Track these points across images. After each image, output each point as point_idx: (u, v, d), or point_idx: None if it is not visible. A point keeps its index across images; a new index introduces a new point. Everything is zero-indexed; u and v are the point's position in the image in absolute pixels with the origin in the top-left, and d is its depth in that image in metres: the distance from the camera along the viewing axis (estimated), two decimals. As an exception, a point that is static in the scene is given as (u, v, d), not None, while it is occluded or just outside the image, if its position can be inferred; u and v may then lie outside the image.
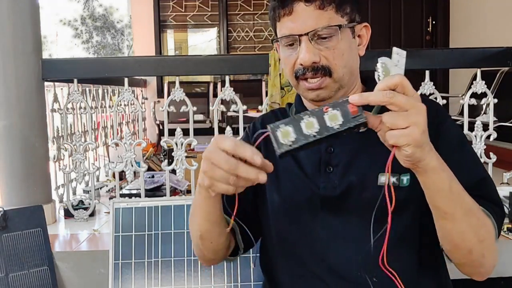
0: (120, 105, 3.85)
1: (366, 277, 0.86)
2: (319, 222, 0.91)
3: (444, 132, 0.90)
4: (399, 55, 0.70)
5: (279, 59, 2.10)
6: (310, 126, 0.69)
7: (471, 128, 2.06)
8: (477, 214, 0.79)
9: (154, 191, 2.52)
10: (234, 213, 0.82)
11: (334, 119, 0.68)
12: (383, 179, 0.81)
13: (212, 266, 1.50)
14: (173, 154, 2.09)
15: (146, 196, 2.18)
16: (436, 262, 0.93)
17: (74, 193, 2.58)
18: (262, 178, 0.71)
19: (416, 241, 0.89)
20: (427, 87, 2.03)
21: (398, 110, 0.66)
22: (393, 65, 0.70)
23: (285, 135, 0.69)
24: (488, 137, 2.06)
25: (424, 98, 0.95)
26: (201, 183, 0.78)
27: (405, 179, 0.88)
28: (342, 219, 0.90)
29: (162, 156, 3.19)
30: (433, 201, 0.77)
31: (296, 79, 0.92)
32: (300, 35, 0.88)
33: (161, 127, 4.74)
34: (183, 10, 5.84)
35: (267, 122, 1.00)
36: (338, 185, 0.90)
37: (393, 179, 0.86)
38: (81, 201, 2.25)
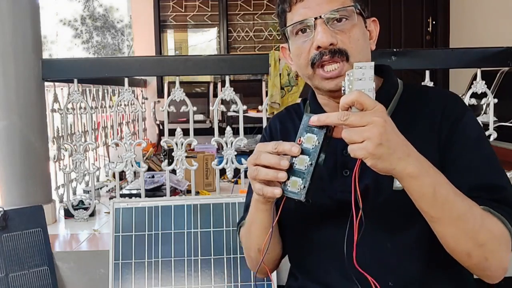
0: (120, 105, 3.85)
1: (382, 283, 0.83)
2: (335, 227, 0.89)
3: (459, 129, 0.88)
4: (362, 69, 0.73)
5: (279, 59, 2.10)
6: (302, 162, 0.76)
7: (471, 128, 2.06)
8: (473, 218, 0.78)
9: (154, 191, 2.52)
10: (276, 218, 0.86)
11: (310, 141, 0.76)
12: (398, 182, 0.82)
13: (212, 266, 1.50)
14: (173, 154, 2.09)
15: (146, 196, 2.18)
16: (454, 262, 0.88)
17: (74, 193, 2.58)
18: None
19: (432, 241, 0.85)
20: (427, 87, 2.03)
21: (353, 127, 0.70)
22: (357, 79, 0.73)
23: (294, 185, 0.77)
24: (488, 137, 2.06)
25: (443, 90, 0.98)
26: (256, 192, 0.82)
27: None
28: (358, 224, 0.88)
29: (162, 156, 3.19)
30: (418, 205, 0.78)
31: (312, 68, 0.89)
32: (316, 19, 0.86)
33: (161, 127, 4.74)
34: (183, 10, 5.84)
35: (284, 121, 1.04)
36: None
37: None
38: (81, 201, 2.25)
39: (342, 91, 0.75)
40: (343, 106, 0.72)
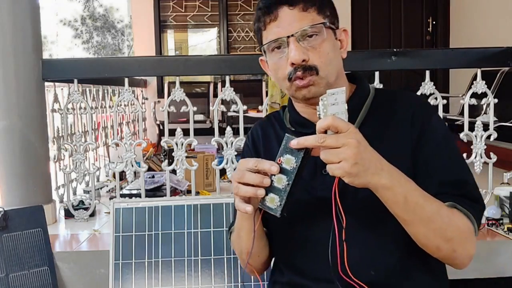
0: (120, 105, 3.85)
1: (365, 273, 0.93)
2: (318, 224, 0.96)
3: (427, 132, 0.96)
4: (335, 94, 0.79)
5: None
6: (280, 181, 0.83)
7: (471, 128, 2.06)
8: (441, 217, 0.87)
9: (155, 191, 2.52)
10: (257, 225, 0.92)
11: (289, 163, 0.82)
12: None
13: (212, 266, 1.50)
14: (173, 154, 2.09)
15: (146, 196, 2.18)
16: (430, 257, 0.95)
17: (75, 193, 2.58)
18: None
19: (407, 236, 0.92)
20: (427, 87, 2.03)
21: (330, 148, 0.78)
22: (330, 104, 0.79)
23: (271, 201, 0.84)
24: (489, 137, 2.06)
25: (410, 95, 1.07)
26: (238, 205, 0.88)
27: None
28: (338, 219, 0.92)
29: (162, 156, 3.19)
30: (392, 211, 0.86)
31: (289, 81, 0.97)
32: (288, 37, 0.94)
33: (161, 127, 4.74)
34: (183, 10, 5.84)
35: (266, 128, 1.12)
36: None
37: None
38: (82, 201, 2.24)
39: (318, 115, 0.81)
40: (319, 130, 0.79)
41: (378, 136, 0.94)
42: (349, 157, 0.77)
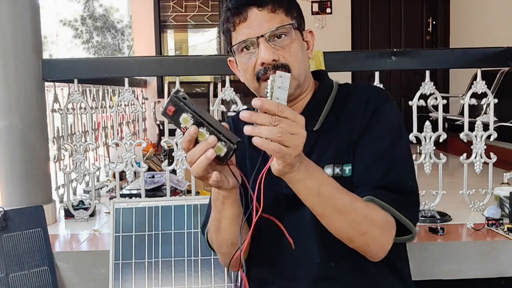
0: (120, 105, 3.84)
1: (328, 265, 0.99)
2: (284, 220, 0.96)
3: (373, 119, 0.99)
4: (282, 78, 0.79)
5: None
6: (203, 135, 0.82)
7: (472, 128, 2.06)
8: (354, 211, 0.89)
9: (155, 191, 2.52)
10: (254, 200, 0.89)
11: (187, 122, 0.82)
12: (328, 170, 0.97)
13: (212, 266, 1.50)
14: (173, 154, 2.09)
15: (146, 196, 2.18)
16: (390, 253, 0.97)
17: (75, 193, 2.58)
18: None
19: None
20: (428, 87, 2.03)
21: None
22: (276, 87, 0.79)
23: (219, 149, 0.83)
24: (489, 137, 2.06)
25: (369, 85, 1.12)
26: (213, 184, 0.87)
27: (347, 169, 0.98)
28: (302, 214, 0.98)
29: (162, 156, 3.19)
30: (304, 202, 0.89)
31: (258, 81, 0.98)
32: (258, 37, 0.95)
33: (161, 127, 4.74)
34: (183, 10, 5.84)
35: (236, 120, 1.10)
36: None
37: (337, 170, 0.98)
38: (82, 201, 2.24)
39: (265, 93, 0.81)
40: (269, 110, 0.76)
41: (336, 123, 1.00)
42: (297, 147, 0.77)
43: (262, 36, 0.95)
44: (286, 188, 0.95)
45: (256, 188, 0.82)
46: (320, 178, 0.87)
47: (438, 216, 1.99)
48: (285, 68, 0.95)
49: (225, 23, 1.01)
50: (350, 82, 1.14)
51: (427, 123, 2.04)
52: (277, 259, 1.04)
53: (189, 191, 2.40)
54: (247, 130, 0.77)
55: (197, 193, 2.41)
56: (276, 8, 0.96)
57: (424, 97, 2.04)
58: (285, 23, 0.97)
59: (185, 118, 0.82)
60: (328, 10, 5.32)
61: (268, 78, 0.93)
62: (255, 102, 0.76)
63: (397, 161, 0.98)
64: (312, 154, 0.99)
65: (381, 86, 2.01)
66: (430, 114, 3.50)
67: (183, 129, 0.82)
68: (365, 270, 0.99)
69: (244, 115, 0.77)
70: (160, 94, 5.55)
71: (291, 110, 0.77)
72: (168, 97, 2.17)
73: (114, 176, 2.46)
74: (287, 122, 0.76)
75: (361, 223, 0.90)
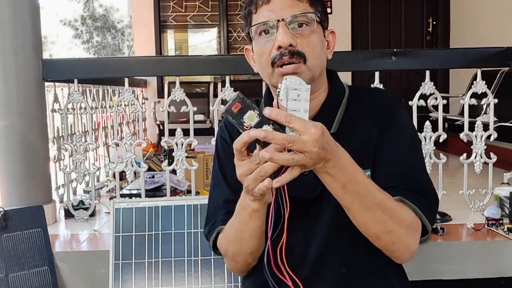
0: (121, 105, 3.85)
1: (337, 269, 0.98)
2: (296, 224, 0.93)
3: (389, 125, 0.99)
4: (297, 90, 0.78)
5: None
6: (253, 118, 0.79)
7: (472, 128, 2.06)
8: (382, 209, 0.89)
9: (155, 191, 2.52)
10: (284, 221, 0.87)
11: (253, 118, 0.79)
12: None
13: (212, 266, 1.50)
14: (173, 154, 2.09)
15: (146, 196, 2.18)
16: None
17: (75, 193, 2.58)
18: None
19: None
20: (428, 87, 2.03)
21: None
22: (291, 100, 0.78)
23: (251, 119, 0.79)
24: (489, 137, 2.06)
25: (380, 90, 1.11)
26: (260, 188, 0.82)
27: (366, 174, 0.95)
28: (314, 219, 0.98)
29: (162, 156, 3.19)
30: (331, 192, 0.88)
31: (272, 67, 0.95)
32: (278, 21, 0.93)
33: (161, 127, 4.74)
34: (183, 10, 5.84)
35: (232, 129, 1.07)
36: (316, 187, 0.94)
37: None
38: (82, 201, 2.24)
39: (277, 93, 0.79)
40: (277, 119, 0.76)
41: (353, 126, 1.00)
42: (309, 162, 0.78)
43: (282, 20, 0.92)
44: (301, 190, 0.95)
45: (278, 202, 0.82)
46: (350, 175, 0.86)
47: (438, 216, 1.99)
48: (301, 56, 0.93)
49: (248, 6, 0.99)
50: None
51: (427, 123, 2.04)
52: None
53: (189, 191, 2.40)
54: (265, 155, 0.77)
55: (197, 193, 2.41)
56: None
57: (424, 97, 2.04)
58: (308, 11, 0.94)
59: (251, 116, 0.79)
60: (328, 10, 5.30)
61: (284, 64, 0.93)
62: (265, 111, 0.76)
63: (418, 163, 1.00)
64: None
65: (381, 86, 2.02)
66: (430, 114, 3.50)
67: (247, 127, 0.79)
68: (379, 274, 1.00)
69: (259, 134, 0.76)
70: (160, 94, 5.55)
71: (301, 121, 0.76)
72: (168, 96, 2.17)
73: (114, 176, 2.46)
74: (299, 143, 0.75)
75: (387, 221, 0.89)
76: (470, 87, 2.14)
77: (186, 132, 2.09)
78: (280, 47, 0.92)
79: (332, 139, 0.83)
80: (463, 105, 2.13)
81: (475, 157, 2.05)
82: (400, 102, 1.05)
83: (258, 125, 0.78)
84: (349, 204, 0.89)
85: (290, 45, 0.92)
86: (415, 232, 0.94)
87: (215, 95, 5.01)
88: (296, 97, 0.78)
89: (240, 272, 1.09)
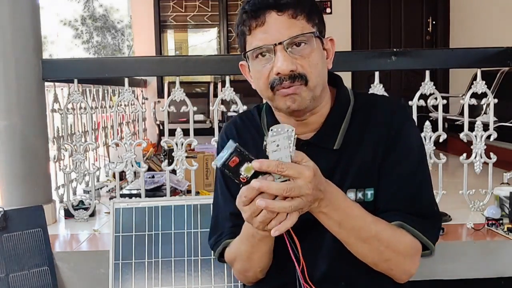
0: (120, 105, 3.85)
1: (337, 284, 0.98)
2: (299, 238, 0.92)
3: (395, 141, 0.95)
4: (276, 141, 0.77)
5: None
6: (249, 170, 0.79)
7: (471, 128, 2.06)
8: (378, 240, 0.89)
9: (155, 191, 2.52)
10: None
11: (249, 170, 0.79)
12: (351, 195, 0.94)
13: (212, 266, 1.50)
14: (173, 154, 2.09)
15: (146, 196, 2.18)
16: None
17: (75, 193, 2.58)
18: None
19: None
20: (427, 87, 2.03)
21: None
22: (271, 151, 0.77)
23: (247, 171, 0.79)
24: (489, 137, 2.06)
25: (388, 100, 1.06)
26: (258, 229, 0.82)
27: (369, 193, 0.95)
28: (318, 233, 0.95)
29: (162, 156, 3.19)
30: (328, 229, 0.88)
31: (272, 90, 0.91)
32: (275, 45, 0.88)
33: (161, 127, 4.74)
34: (183, 10, 5.84)
35: (240, 130, 1.07)
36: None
37: (359, 195, 0.96)
38: (81, 201, 2.24)
39: (264, 146, 0.78)
40: (269, 170, 0.76)
41: (357, 142, 0.97)
42: (306, 204, 0.78)
43: (280, 43, 0.88)
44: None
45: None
46: (344, 211, 0.86)
47: (438, 216, 1.99)
48: (302, 78, 0.89)
49: (241, 25, 0.93)
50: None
51: (427, 123, 2.04)
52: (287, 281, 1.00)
53: (189, 191, 2.40)
54: (260, 204, 0.77)
55: (197, 193, 2.41)
56: (297, 14, 0.89)
57: (424, 97, 2.04)
58: (306, 31, 0.89)
59: (248, 168, 0.78)
60: (328, 10, 5.31)
61: (284, 88, 0.89)
62: (254, 164, 0.76)
63: (423, 184, 0.97)
64: (334, 176, 0.94)
65: (381, 86, 2.02)
66: (430, 114, 3.50)
67: (243, 179, 0.79)
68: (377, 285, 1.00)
69: (255, 187, 0.76)
70: (160, 94, 5.55)
71: (294, 167, 0.76)
72: (168, 96, 2.17)
73: (114, 176, 2.46)
74: (296, 189, 0.75)
75: (384, 251, 0.90)
76: (470, 87, 2.14)
77: (186, 132, 2.09)
78: (279, 73, 0.89)
79: (323, 177, 0.82)
80: (463, 105, 2.13)
81: (475, 157, 2.05)
82: (410, 114, 1.01)
83: (255, 176, 0.78)
84: (346, 238, 0.89)
85: (291, 71, 0.89)
86: (414, 256, 0.94)
87: (215, 95, 5.01)
88: (275, 148, 0.77)
89: (248, 283, 1.09)
